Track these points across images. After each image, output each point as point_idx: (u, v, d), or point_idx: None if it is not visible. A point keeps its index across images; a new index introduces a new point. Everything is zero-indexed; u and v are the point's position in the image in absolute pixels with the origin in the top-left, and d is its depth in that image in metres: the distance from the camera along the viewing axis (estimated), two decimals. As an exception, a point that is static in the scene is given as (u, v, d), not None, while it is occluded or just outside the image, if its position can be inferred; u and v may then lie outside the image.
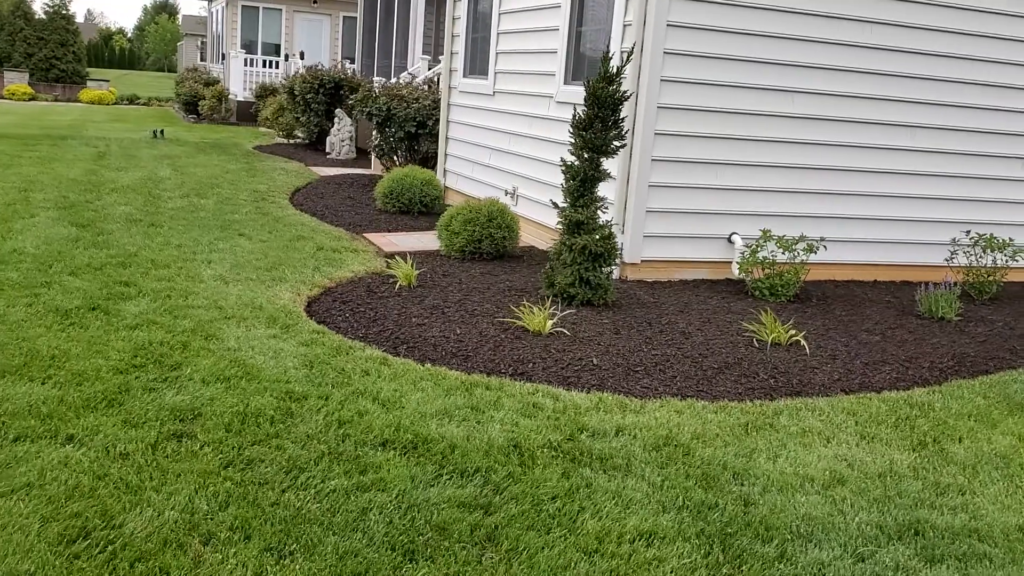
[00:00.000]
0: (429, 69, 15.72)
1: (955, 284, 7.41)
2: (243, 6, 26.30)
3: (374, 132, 13.07)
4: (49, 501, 3.44)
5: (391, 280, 7.26)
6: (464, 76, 11.34)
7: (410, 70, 15.96)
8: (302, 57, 22.18)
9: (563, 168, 6.74)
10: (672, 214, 7.81)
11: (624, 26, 7.74)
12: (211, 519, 3.41)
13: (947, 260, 8.25)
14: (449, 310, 6.47)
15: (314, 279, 7.19)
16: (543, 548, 3.39)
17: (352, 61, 25.15)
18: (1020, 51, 8.51)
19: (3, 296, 6.03)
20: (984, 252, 8.01)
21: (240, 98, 24.13)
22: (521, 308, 6.33)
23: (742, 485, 4.06)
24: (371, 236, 9.45)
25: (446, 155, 11.94)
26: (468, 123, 11.17)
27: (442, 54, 15.53)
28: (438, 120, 12.21)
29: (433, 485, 3.83)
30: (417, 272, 7.35)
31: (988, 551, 3.63)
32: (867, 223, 8.43)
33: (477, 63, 11.07)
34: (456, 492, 3.76)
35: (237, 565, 3.12)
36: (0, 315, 5.62)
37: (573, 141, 6.66)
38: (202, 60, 73.16)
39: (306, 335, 5.70)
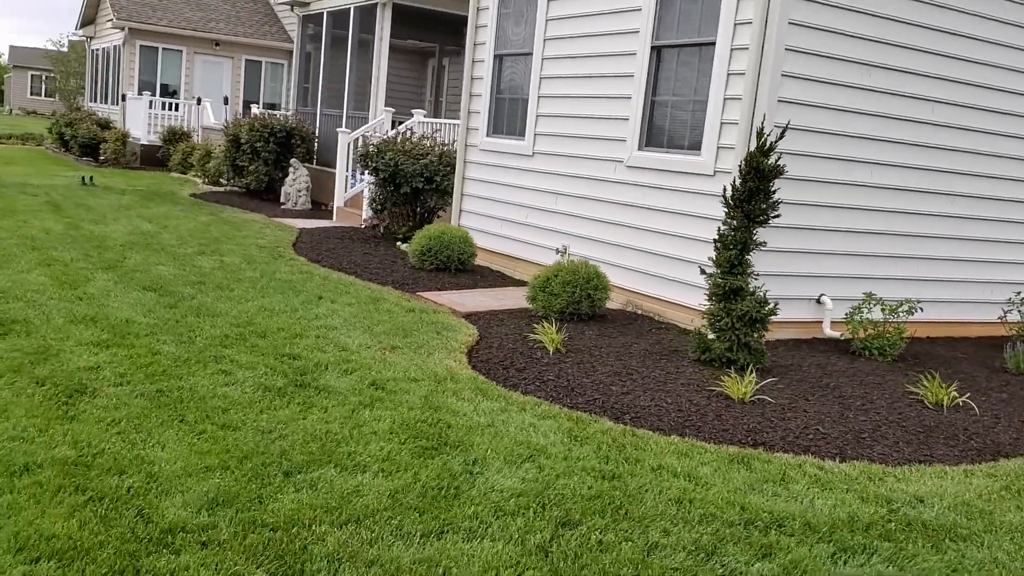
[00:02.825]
0: (393, 124, 15.61)
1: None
2: (141, 46, 25.17)
3: (373, 186, 12.91)
4: (542, 602, 3.36)
5: (532, 344, 7.25)
6: (488, 135, 11.42)
7: (372, 122, 15.81)
8: (226, 102, 21.47)
9: (715, 238, 6.99)
10: (772, 276, 8.17)
11: (725, 100, 8.10)
12: (705, 612, 3.42)
13: (1000, 318, 8.99)
14: (633, 376, 6.56)
15: (450, 345, 7.11)
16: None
17: (259, 105, 24.58)
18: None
19: (196, 375, 5.70)
20: (1033, 311, 8.79)
21: (144, 142, 23.05)
22: (724, 378, 6.51)
23: (1079, 548, 4.38)
24: (427, 295, 9.34)
25: (461, 211, 11.95)
26: (495, 181, 11.23)
27: (417, 107, 15.56)
28: (446, 176, 12.21)
29: (837, 563, 3.95)
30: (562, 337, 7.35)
31: None
32: (926, 284, 9.06)
33: (505, 123, 11.19)
34: (872, 571, 3.90)
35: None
36: (222, 396, 5.32)
37: (727, 211, 6.93)
38: (33, 95, 69.07)
39: (530, 407, 5.68)
